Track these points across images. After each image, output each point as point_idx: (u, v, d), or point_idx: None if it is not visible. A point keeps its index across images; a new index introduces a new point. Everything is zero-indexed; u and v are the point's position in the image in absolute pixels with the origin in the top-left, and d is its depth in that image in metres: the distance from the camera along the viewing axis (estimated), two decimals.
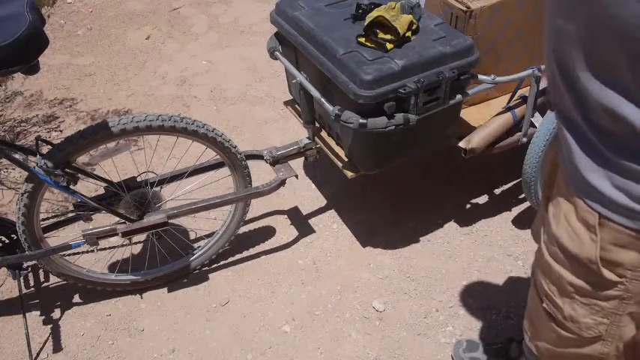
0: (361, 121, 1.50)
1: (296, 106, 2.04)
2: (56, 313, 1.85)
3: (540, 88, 1.69)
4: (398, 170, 2.34)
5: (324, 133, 1.91)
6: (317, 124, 1.89)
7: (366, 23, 1.54)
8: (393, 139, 1.62)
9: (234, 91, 2.89)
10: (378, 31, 1.54)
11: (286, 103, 2.09)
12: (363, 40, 1.55)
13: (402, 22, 1.52)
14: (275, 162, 1.87)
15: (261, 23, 3.43)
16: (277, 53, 1.82)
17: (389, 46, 1.51)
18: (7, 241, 1.73)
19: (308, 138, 1.89)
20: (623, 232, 0.78)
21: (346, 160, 1.82)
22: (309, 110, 1.77)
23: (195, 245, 2.06)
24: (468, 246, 2.00)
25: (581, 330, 0.94)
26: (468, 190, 2.23)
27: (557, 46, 0.78)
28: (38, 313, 1.84)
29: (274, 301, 1.87)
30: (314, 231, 2.11)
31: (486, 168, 2.26)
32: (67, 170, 1.52)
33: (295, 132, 2.55)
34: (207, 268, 1.98)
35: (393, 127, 1.51)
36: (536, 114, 1.77)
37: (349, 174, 1.80)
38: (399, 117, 1.51)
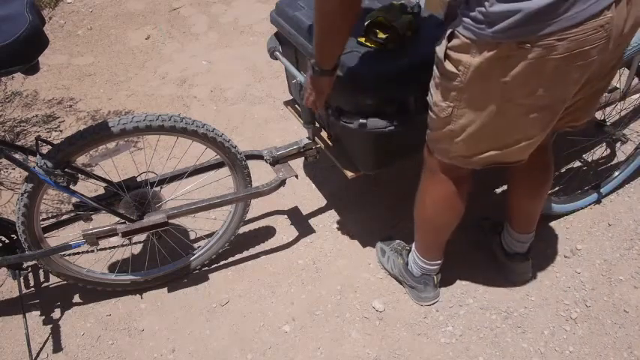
0: (361, 121, 1.50)
1: (296, 106, 2.04)
2: (56, 313, 1.85)
3: None
4: (398, 170, 2.34)
5: (324, 133, 1.91)
6: (317, 124, 1.88)
7: (365, 23, 1.54)
8: (394, 139, 1.62)
9: (234, 91, 2.89)
10: (377, 31, 1.54)
11: (286, 103, 2.09)
12: (362, 40, 1.55)
13: (401, 22, 1.52)
14: (275, 162, 1.87)
15: (261, 23, 3.43)
16: (277, 53, 1.81)
17: (389, 46, 1.51)
18: (7, 241, 1.73)
19: (308, 138, 1.88)
20: (462, 40, 1.12)
21: (346, 160, 1.81)
22: (309, 110, 1.77)
23: (195, 245, 2.06)
24: (468, 246, 2.00)
25: (440, 111, 1.27)
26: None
27: None
28: (38, 313, 1.84)
29: (274, 301, 1.86)
30: (314, 231, 2.10)
31: (487, 169, 2.26)
32: (67, 170, 1.51)
33: (295, 132, 2.55)
34: (207, 268, 1.98)
35: (393, 127, 1.51)
36: None
37: (349, 174, 1.80)
38: (399, 117, 1.51)
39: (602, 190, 2.11)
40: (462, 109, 1.23)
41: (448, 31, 1.16)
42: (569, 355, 1.67)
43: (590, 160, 2.29)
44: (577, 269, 1.91)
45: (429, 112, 1.34)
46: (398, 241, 1.94)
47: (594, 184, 2.11)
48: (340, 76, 1.49)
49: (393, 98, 1.49)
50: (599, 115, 1.98)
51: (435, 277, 1.77)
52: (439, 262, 1.74)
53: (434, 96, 1.29)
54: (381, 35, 1.53)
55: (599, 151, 2.29)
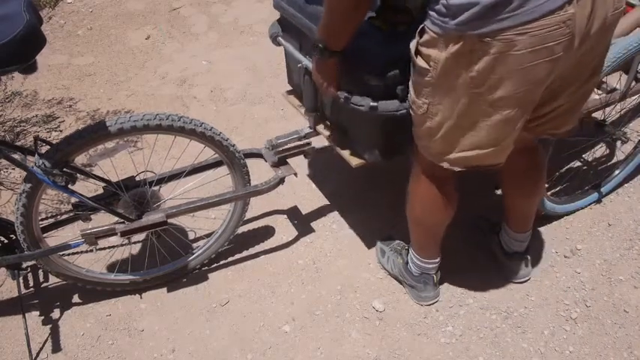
0: (372, 104, 1.46)
1: (293, 96, 1.99)
2: (56, 313, 1.84)
3: None
4: (398, 170, 2.34)
5: (324, 124, 1.87)
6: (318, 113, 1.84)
7: (378, 4, 1.50)
8: (405, 124, 1.56)
9: (234, 91, 2.89)
10: (390, 12, 1.49)
11: (288, 93, 2.04)
12: (374, 21, 1.50)
13: (415, 3, 1.46)
14: (274, 149, 1.85)
15: (261, 23, 3.43)
16: (280, 39, 1.78)
17: (400, 27, 1.46)
18: (6, 241, 1.73)
19: (309, 127, 1.85)
20: (430, 35, 1.13)
21: (350, 148, 1.76)
22: (312, 97, 1.73)
23: (195, 245, 2.06)
24: (468, 246, 1.99)
25: (417, 109, 1.29)
26: (468, 190, 2.22)
27: None
28: (38, 313, 1.84)
29: (274, 301, 1.86)
30: (314, 231, 2.10)
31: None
32: (66, 170, 1.51)
33: None
34: (206, 267, 1.98)
35: (405, 110, 1.47)
36: None
37: (354, 162, 1.73)
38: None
39: (602, 190, 2.11)
40: (436, 105, 1.23)
41: (418, 28, 1.17)
42: (569, 355, 1.67)
43: (590, 159, 2.29)
44: (577, 269, 1.90)
45: (410, 109, 1.35)
46: (397, 241, 1.94)
47: (594, 183, 2.11)
48: (350, 58, 1.43)
49: (403, 81, 1.45)
50: (599, 114, 1.98)
51: (434, 275, 1.77)
52: (436, 260, 1.74)
53: (411, 93, 1.30)
54: (393, 17, 1.49)
55: (599, 151, 2.28)
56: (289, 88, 2.04)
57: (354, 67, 1.45)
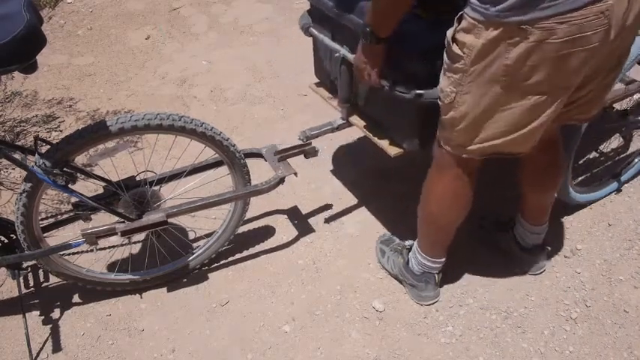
0: (417, 91, 1.46)
1: (323, 89, 1.98)
2: (56, 313, 1.84)
3: None
4: (398, 170, 2.34)
5: (358, 115, 1.86)
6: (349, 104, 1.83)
7: None
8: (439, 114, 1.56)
9: (234, 91, 2.89)
10: (432, 1, 1.49)
11: (317, 85, 2.02)
12: (416, 10, 1.49)
13: None
14: (308, 141, 1.86)
15: (261, 23, 3.43)
16: (312, 29, 1.78)
17: (444, 16, 1.43)
18: (6, 240, 1.73)
19: (342, 118, 1.85)
20: (469, 21, 1.14)
21: (386, 138, 1.75)
22: (348, 87, 1.73)
23: (195, 245, 2.06)
24: (469, 246, 1.99)
25: (444, 97, 1.30)
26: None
27: None
28: (38, 313, 1.84)
29: (274, 301, 1.86)
30: (314, 231, 2.10)
31: (490, 172, 2.26)
32: (66, 170, 1.51)
33: (297, 132, 2.53)
34: (206, 267, 1.98)
35: None
36: None
37: (393, 152, 1.71)
38: None
39: (622, 179, 2.15)
40: (464, 95, 1.24)
41: (457, 15, 1.18)
42: (569, 355, 1.67)
43: (609, 150, 2.28)
44: (577, 269, 1.90)
45: (438, 99, 1.36)
46: (398, 241, 1.94)
47: (614, 172, 2.14)
48: (395, 45, 1.43)
49: None
50: (621, 104, 1.98)
51: (436, 275, 1.77)
52: (442, 260, 1.74)
53: (441, 82, 1.31)
54: (436, 5, 1.48)
55: (618, 141, 2.29)
56: (316, 76, 2.04)
57: (400, 53, 1.44)
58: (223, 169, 1.81)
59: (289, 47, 3.22)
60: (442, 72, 1.30)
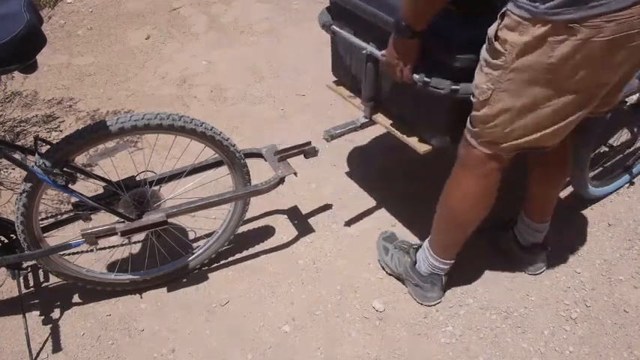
0: (453, 86, 1.44)
1: (343, 87, 1.96)
2: (56, 313, 1.84)
3: None
4: (398, 170, 2.34)
5: (382, 113, 1.85)
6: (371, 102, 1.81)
7: None
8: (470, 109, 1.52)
9: (234, 91, 2.89)
10: None
11: (336, 84, 1.99)
12: (450, 6, 1.45)
13: None
14: (331, 140, 1.85)
15: (261, 23, 3.43)
16: (335, 27, 1.76)
17: (475, 11, 1.44)
18: (6, 240, 1.72)
19: (365, 116, 1.83)
20: (513, 18, 1.14)
21: (414, 135, 1.74)
22: (373, 85, 1.71)
23: (195, 245, 2.06)
24: (468, 246, 1.99)
25: (480, 94, 1.29)
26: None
27: None
28: (38, 313, 1.84)
29: (274, 301, 1.86)
30: (314, 231, 2.10)
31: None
32: (66, 169, 1.51)
33: (297, 132, 2.55)
34: (206, 267, 1.98)
35: None
36: None
37: (422, 148, 1.70)
38: None
39: (633, 171, 2.17)
40: (502, 92, 1.24)
41: (501, 12, 1.17)
42: (569, 355, 1.67)
43: (619, 143, 2.28)
44: (577, 269, 1.90)
45: (472, 95, 1.35)
46: (401, 239, 1.94)
47: (626, 165, 2.16)
48: (429, 39, 1.40)
49: None
50: (634, 98, 1.99)
51: (443, 277, 1.76)
52: (452, 262, 1.74)
53: (477, 79, 1.31)
54: (469, 1, 1.46)
55: (627, 135, 2.28)
56: (334, 75, 2.00)
57: (435, 48, 1.42)
58: (223, 169, 1.81)
59: (289, 47, 3.22)
60: (478, 68, 1.30)
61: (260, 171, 2.21)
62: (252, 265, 1.99)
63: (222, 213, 1.93)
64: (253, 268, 1.98)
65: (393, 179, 2.30)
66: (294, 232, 2.10)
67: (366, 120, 1.85)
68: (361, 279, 1.91)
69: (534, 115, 1.25)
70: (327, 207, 2.20)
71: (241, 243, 2.05)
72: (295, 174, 1.87)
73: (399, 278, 1.88)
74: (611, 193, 2.16)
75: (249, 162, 1.82)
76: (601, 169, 2.15)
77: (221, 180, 2.07)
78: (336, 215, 2.16)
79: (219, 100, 2.83)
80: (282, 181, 1.84)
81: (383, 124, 1.81)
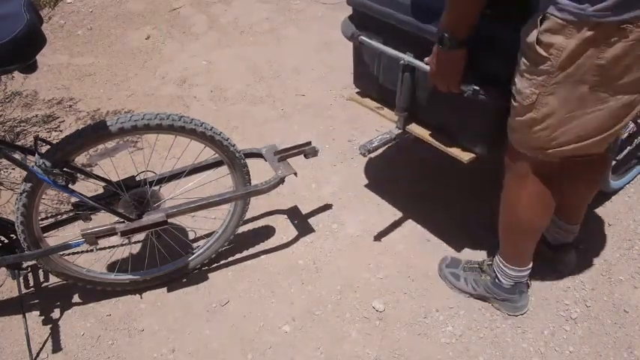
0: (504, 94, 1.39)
1: (369, 99, 1.89)
2: (56, 313, 1.84)
3: None
4: (398, 171, 2.34)
5: (417, 123, 1.79)
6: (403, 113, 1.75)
7: None
8: None
9: (234, 91, 2.89)
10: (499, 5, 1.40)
11: (362, 95, 1.92)
12: (488, 12, 1.37)
13: None
14: (368, 154, 1.80)
15: (261, 23, 3.43)
16: (363, 37, 1.68)
17: (509, 16, 1.38)
18: (6, 240, 1.73)
19: (398, 127, 1.79)
20: (556, 22, 1.10)
21: (453, 144, 1.69)
22: (408, 95, 1.66)
23: (195, 245, 2.06)
24: (469, 246, 1.99)
25: (523, 99, 1.26)
26: (468, 192, 2.23)
27: None
28: (38, 313, 1.84)
29: (274, 301, 1.86)
30: (314, 231, 2.10)
31: (492, 173, 2.26)
32: (66, 169, 1.51)
33: (297, 132, 2.55)
34: (207, 267, 1.98)
35: None
36: None
37: (466, 157, 1.65)
38: None
39: None
40: (548, 96, 1.21)
41: (539, 16, 1.14)
42: (569, 355, 1.67)
43: (627, 134, 2.27)
44: (577, 269, 1.90)
45: (512, 100, 1.31)
46: (466, 259, 1.88)
47: (638, 156, 2.19)
48: (475, 46, 1.35)
49: None
50: None
51: (527, 282, 1.74)
52: (530, 266, 1.70)
53: (518, 83, 1.27)
54: (504, 5, 1.40)
55: (632, 128, 2.28)
56: (356, 85, 1.94)
57: (481, 55, 1.37)
58: (223, 169, 1.81)
59: (289, 47, 3.22)
60: (519, 73, 1.26)
61: (260, 171, 2.21)
62: (252, 265, 1.99)
63: (222, 213, 1.93)
64: (253, 268, 1.98)
65: (394, 179, 2.30)
66: (294, 232, 2.10)
67: (400, 131, 1.79)
68: (361, 279, 1.91)
69: (584, 121, 1.22)
70: (327, 207, 2.20)
71: (241, 243, 2.05)
72: (295, 174, 1.87)
73: (483, 299, 1.82)
74: (626, 184, 2.19)
75: (249, 162, 1.82)
76: (615, 162, 2.16)
77: (221, 180, 2.07)
78: (336, 215, 2.16)
79: (219, 100, 2.83)
80: (282, 181, 1.84)
81: (420, 134, 1.75)
